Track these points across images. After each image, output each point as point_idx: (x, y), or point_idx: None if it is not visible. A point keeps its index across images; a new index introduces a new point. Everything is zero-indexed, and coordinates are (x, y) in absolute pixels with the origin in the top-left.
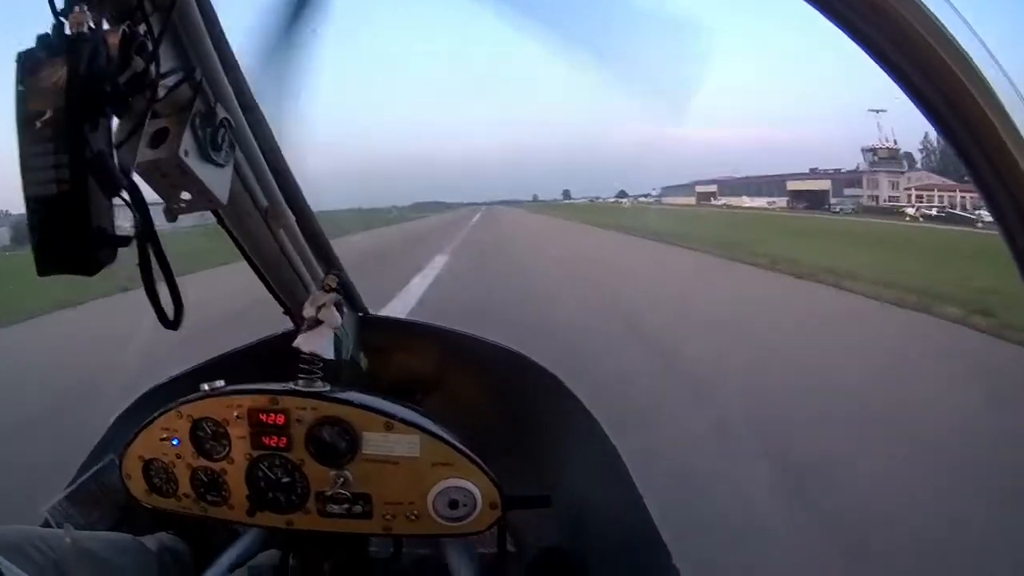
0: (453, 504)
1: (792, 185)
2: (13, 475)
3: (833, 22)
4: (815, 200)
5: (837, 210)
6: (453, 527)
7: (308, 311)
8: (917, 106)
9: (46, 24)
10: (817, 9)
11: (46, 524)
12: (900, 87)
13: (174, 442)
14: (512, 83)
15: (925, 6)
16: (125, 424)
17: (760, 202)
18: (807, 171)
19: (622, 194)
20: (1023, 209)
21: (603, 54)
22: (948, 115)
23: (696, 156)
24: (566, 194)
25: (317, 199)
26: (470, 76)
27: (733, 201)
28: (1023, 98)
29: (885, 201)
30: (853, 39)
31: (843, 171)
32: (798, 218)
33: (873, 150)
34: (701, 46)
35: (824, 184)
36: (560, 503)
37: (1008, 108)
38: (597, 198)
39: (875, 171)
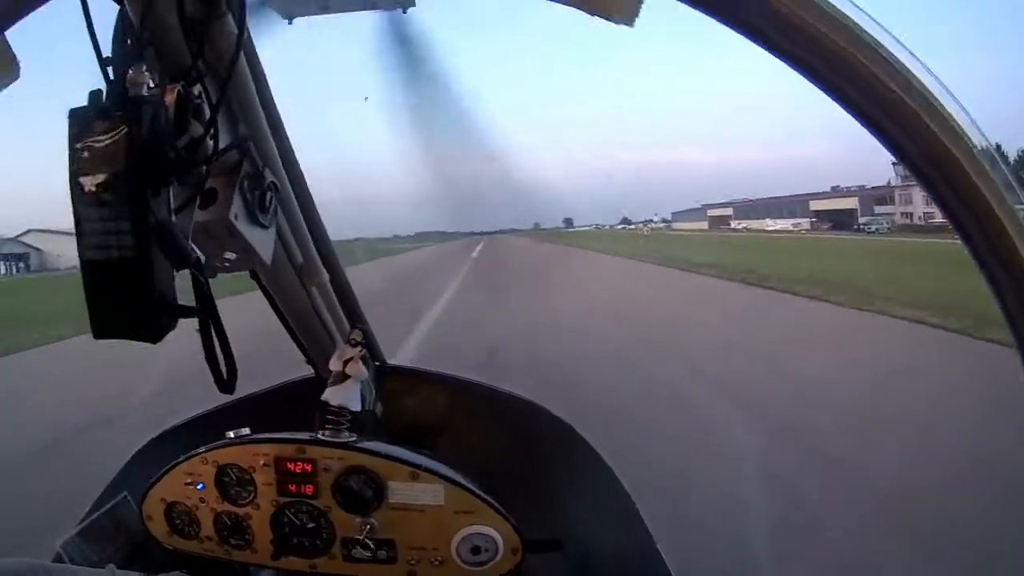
0: (476, 550)
1: (815, 205)
2: None
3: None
4: (842, 220)
5: (872, 229)
6: (476, 572)
7: (335, 364)
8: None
9: (86, 72)
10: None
11: (58, 559)
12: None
13: (199, 487)
14: (509, 111)
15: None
16: (140, 462)
17: (784, 224)
18: (828, 189)
19: (626, 221)
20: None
21: None
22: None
23: (700, 179)
24: (568, 222)
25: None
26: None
27: (754, 224)
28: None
29: (920, 218)
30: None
31: (868, 187)
32: (849, 240)
33: None
34: None
35: (851, 203)
36: (571, 547)
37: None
38: (601, 225)
39: (908, 186)
